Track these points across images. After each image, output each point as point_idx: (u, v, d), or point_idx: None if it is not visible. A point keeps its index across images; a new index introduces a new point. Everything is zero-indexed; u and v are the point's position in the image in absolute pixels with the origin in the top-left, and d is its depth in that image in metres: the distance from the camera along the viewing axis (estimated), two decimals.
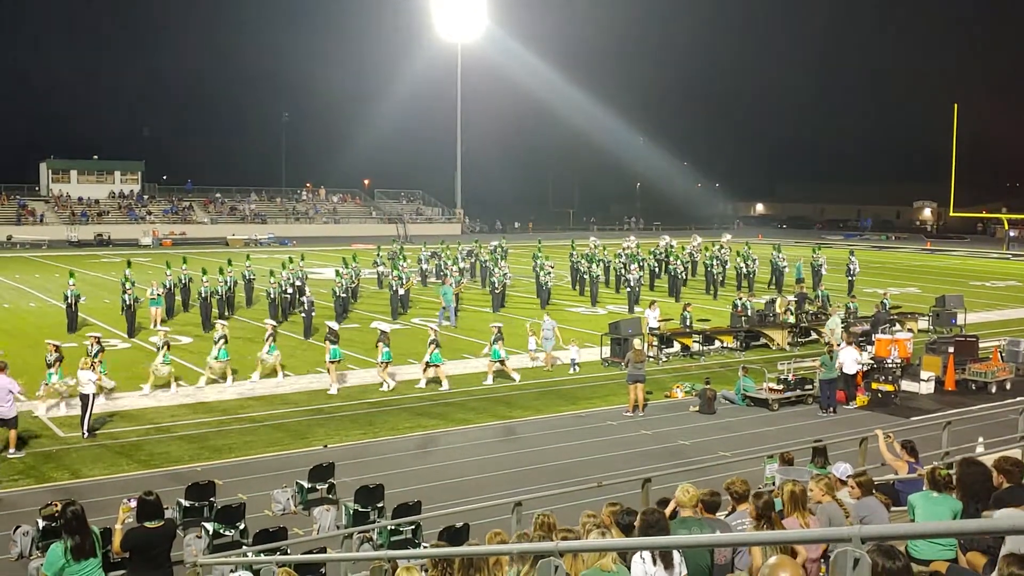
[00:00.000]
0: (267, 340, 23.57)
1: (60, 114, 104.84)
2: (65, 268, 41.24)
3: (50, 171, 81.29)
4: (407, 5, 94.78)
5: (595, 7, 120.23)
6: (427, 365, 22.92)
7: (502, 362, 23.47)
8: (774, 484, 11.73)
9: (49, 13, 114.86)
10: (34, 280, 44.08)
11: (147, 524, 8.65)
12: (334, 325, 23.77)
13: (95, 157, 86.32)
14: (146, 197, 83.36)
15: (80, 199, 79.00)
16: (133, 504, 8.78)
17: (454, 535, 11.48)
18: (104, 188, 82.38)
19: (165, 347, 22.16)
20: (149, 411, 20.30)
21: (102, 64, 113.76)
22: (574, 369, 24.70)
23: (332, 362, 22.27)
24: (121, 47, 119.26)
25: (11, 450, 16.95)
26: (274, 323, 25.64)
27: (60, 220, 73.93)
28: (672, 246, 45.83)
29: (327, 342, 22.58)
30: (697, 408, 20.72)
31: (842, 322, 28.16)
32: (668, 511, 8.31)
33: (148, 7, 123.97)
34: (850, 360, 21.39)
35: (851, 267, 40.58)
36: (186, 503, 13.54)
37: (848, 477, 9.66)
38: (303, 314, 29.56)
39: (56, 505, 11.86)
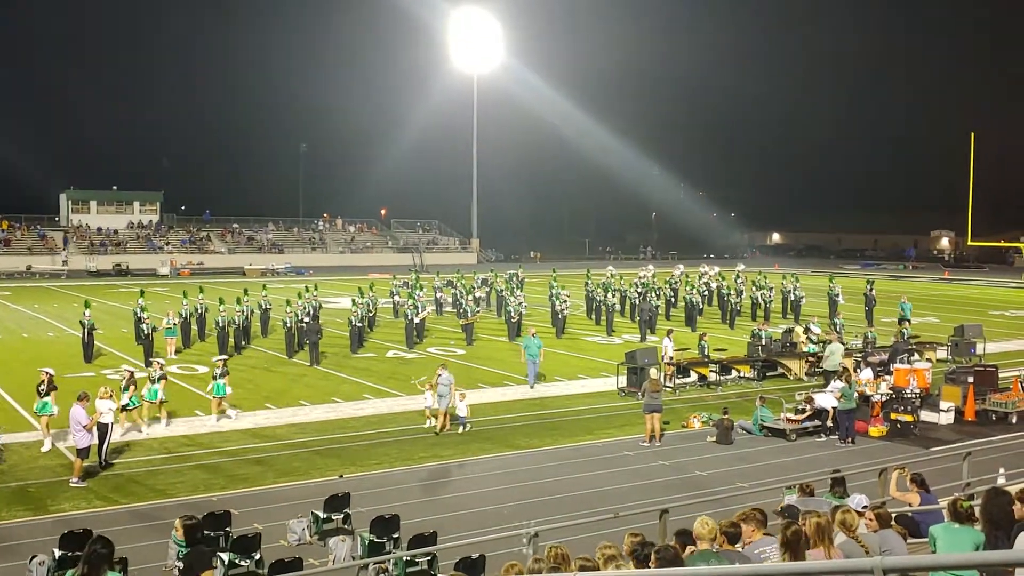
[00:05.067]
0: None
1: (80, 145, 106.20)
2: (83, 298, 41.46)
3: (70, 201, 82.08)
4: (424, 37, 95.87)
5: (611, 39, 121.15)
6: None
7: (222, 399, 21.93)
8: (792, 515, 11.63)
9: (67, 46, 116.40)
10: (52, 309, 44.36)
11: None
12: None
13: (114, 188, 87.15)
14: (164, 227, 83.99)
15: (99, 229, 79.62)
16: None
17: (470, 566, 11.41)
18: (123, 218, 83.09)
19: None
20: (164, 440, 20.31)
21: (121, 95, 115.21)
22: (464, 427, 21.33)
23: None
24: (140, 79, 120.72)
25: (74, 479, 17.02)
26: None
27: (79, 250, 74.46)
28: (687, 276, 45.89)
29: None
30: (714, 438, 20.56)
31: (859, 351, 28.03)
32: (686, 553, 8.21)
33: (168, 40, 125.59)
34: (828, 396, 21.27)
35: (869, 297, 40.38)
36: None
37: (865, 509, 9.57)
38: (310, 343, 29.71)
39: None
